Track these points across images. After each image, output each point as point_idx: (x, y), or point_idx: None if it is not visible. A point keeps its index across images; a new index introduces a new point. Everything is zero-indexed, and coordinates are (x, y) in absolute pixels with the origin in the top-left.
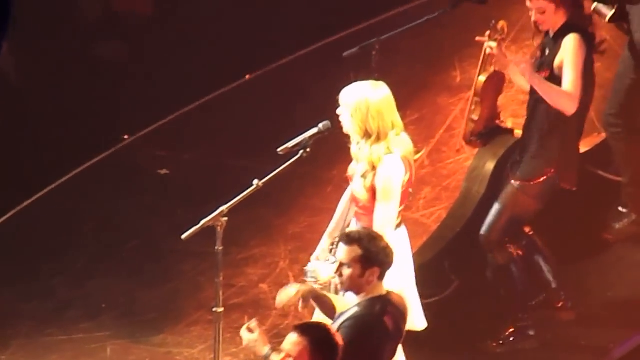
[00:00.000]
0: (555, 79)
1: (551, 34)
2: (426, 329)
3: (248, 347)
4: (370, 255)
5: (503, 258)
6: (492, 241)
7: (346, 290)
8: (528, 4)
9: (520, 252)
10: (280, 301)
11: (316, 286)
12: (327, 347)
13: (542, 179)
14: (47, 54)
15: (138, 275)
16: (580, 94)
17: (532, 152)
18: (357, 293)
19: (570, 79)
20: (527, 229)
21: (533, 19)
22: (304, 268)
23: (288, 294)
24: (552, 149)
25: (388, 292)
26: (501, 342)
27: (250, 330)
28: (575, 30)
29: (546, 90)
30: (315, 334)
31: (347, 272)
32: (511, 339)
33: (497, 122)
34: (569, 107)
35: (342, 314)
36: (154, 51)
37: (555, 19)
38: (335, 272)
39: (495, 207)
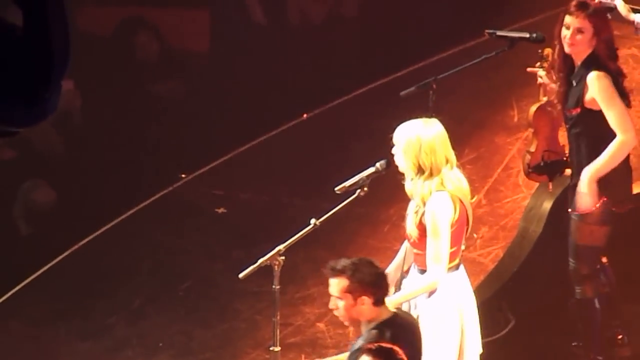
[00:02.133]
0: (588, 114)
1: (576, 64)
2: None
3: None
4: (358, 283)
5: (592, 291)
6: (583, 274)
7: (350, 324)
8: (567, 19)
9: (605, 287)
10: None
11: None
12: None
13: (595, 207)
14: (107, 95)
15: (195, 314)
16: (631, 124)
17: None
18: (359, 324)
19: (614, 120)
20: (604, 260)
21: (567, 39)
22: None
23: None
24: (601, 178)
25: (394, 315)
26: None
27: None
28: (597, 65)
29: (608, 164)
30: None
31: (341, 304)
32: None
33: (561, 156)
34: (631, 147)
35: (351, 349)
36: (211, 90)
37: (587, 46)
38: (331, 307)
39: (570, 242)
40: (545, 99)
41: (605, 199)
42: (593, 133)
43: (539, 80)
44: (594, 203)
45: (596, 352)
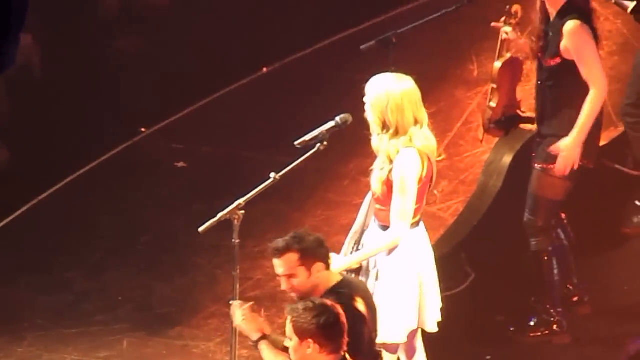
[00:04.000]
0: (567, 64)
1: (552, 16)
2: (444, 322)
3: (239, 326)
4: (308, 252)
5: (547, 244)
6: (538, 227)
7: (305, 298)
8: None
9: (562, 239)
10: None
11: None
12: (333, 329)
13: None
14: (65, 47)
15: (154, 269)
16: (605, 77)
17: (549, 134)
18: (316, 293)
19: (589, 70)
20: (562, 215)
21: None
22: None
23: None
24: (568, 130)
25: (343, 277)
26: (530, 333)
27: (245, 312)
28: (574, 14)
29: (588, 124)
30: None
31: (295, 281)
32: (539, 331)
33: (518, 111)
34: (603, 98)
35: None
36: (170, 44)
37: None
38: (285, 288)
39: (529, 194)
40: (509, 55)
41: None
42: (566, 82)
43: (504, 36)
44: (575, 165)
45: (553, 307)
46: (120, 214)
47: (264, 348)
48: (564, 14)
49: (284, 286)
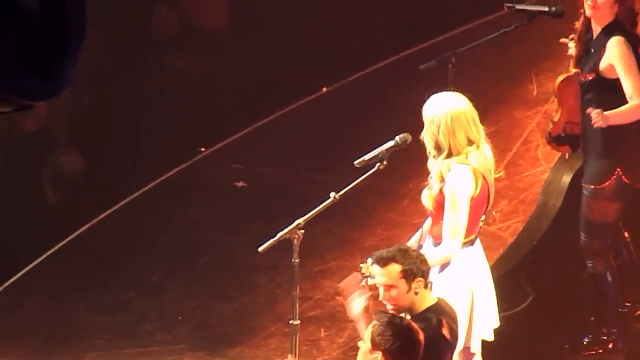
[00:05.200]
0: (602, 81)
1: (595, 33)
2: (504, 341)
3: (356, 317)
4: (411, 267)
5: (603, 266)
6: (594, 249)
7: (399, 312)
8: None
9: (623, 257)
10: (350, 311)
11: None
12: (406, 354)
13: (609, 181)
14: (125, 68)
15: (213, 289)
16: None
17: (594, 155)
18: (411, 311)
19: (631, 86)
20: (625, 234)
21: (589, 1)
22: (361, 264)
23: (359, 304)
24: (614, 149)
25: (439, 300)
26: (585, 352)
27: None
28: (619, 31)
29: (623, 116)
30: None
31: (395, 292)
32: (594, 350)
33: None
34: None
35: None
36: (231, 64)
37: (606, 15)
38: (383, 299)
39: (581, 216)
40: (574, 70)
41: (619, 170)
42: (603, 101)
43: (569, 51)
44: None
45: (609, 327)
46: (180, 234)
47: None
48: (610, 31)
49: (382, 297)
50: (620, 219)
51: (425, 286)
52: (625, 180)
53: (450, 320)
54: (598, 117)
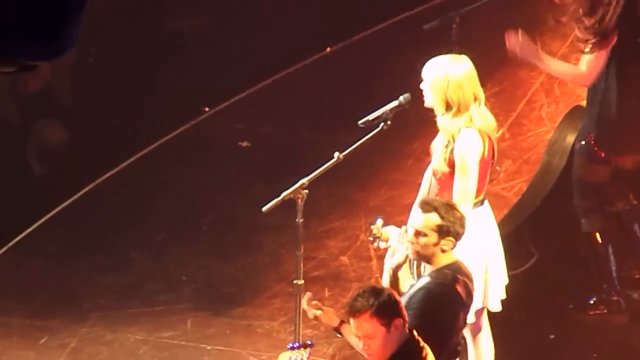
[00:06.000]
0: None
1: None
2: (508, 301)
3: (317, 318)
4: (448, 224)
5: (598, 223)
6: (586, 207)
7: (419, 259)
8: None
9: (613, 221)
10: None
11: (374, 244)
12: (388, 304)
13: (583, 142)
14: (127, 29)
15: (217, 249)
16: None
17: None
18: (430, 262)
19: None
20: (631, 197)
21: None
22: (372, 225)
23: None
24: (596, 115)
25: (457, 261)
26: (590, 312)
27: (315, 307)
28: None
29: (554, 67)
30: (371, 303)
31: (423, 240)
32: (599, 310)
33: None
34: (577, 81)
35: (412, 285)
36: (234, 24)
37: None
38: (411, 240)
39: (572, 176)
40: None
41: (591, 137)
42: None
43: None
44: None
45: (611, 286)
46: (183, 195)
47: (347, 331)
48: None
49: (409, 239)
50: (627, 184)
51: (453, 247)
52: (595, 147)
53: (467, 279)
54: (512, 38)
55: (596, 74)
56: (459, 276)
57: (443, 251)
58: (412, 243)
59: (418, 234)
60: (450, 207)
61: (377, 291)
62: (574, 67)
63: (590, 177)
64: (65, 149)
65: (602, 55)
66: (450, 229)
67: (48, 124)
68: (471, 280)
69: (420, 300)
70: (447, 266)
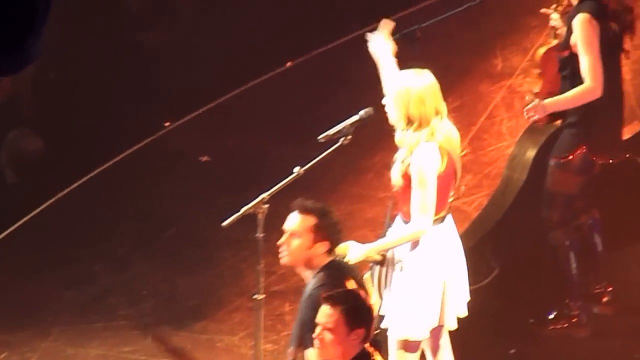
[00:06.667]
0: (574, 57)
1: (573, 6)
2: (470, 315)
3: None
4: (324, 226)
5: (562, 237)
6: (554, 220)
7: (290, 264)
8: None
9: (579, 234)
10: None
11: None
12: (360, 311)
13: (573, 155)
14: (89, 41)
15: (179, 263)
16: (600, 74)
17: (567, 126)
18: (306, 267)
19: (585, 66)
20: (594, 211)
21: None
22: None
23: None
24: (585, 126)
25: (333, 259)
26: (551, 326)
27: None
28: (588, 7)
29: (568, 103)
30: (346, 302)
31: (296, 242)
32: (560, 324)
33: None
34: (593, 97)
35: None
36: (196, 38)
37: None
38: (282, 243)
39: (544, 189)
40: (555, 41)
41: (584, 148)
42: (577, 78)
43: (551, 23)
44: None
45: (572, 300)
46: (145, 208)
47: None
48: (580, 6)
49: (283, 239)
50: (591, 198)
51: (329, 252)
52: (592, 157)
53: (353, 274)
54: (531, 111)
55: (601, 79)
56: (346, 271)
57: (316, 256)
58: (284, 245)
59: (291, 236)
60: (328, 210)
61: (359, 298)
62: (581, 87)
63: (571, 189)
64: (38, 159)
65: (597, 59)
66: (326, 232)
67: (23, 133)
68: (357, 272)
69: (305, 308)
70: (324, 267)
